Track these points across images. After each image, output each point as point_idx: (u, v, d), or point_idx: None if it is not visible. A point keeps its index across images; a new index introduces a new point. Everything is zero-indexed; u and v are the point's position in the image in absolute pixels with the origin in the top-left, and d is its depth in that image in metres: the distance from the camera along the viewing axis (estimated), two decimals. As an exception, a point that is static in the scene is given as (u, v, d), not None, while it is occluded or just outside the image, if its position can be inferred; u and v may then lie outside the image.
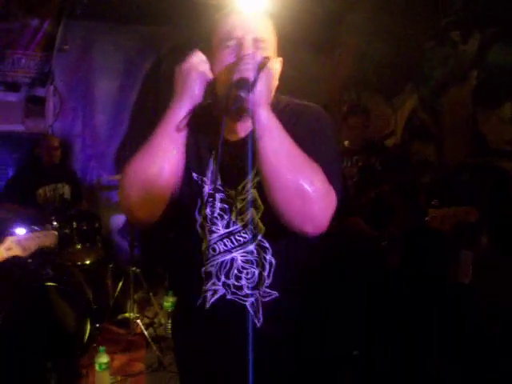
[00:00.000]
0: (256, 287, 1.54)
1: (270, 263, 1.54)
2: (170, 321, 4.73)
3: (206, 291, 1.58)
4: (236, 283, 1.56)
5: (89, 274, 4.31)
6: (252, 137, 1.40)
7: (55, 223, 4.35)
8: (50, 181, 4.93)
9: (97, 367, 3.62)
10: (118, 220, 5.80)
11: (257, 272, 1.54)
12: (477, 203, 3.42)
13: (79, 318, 3.92)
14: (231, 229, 1.55)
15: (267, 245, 1.54)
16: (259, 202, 1.51)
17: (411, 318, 3.48)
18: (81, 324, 3.93)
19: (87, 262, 4.45)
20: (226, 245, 1.56)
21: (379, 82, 5.08)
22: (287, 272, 1.55)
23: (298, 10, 4.41)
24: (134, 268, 4.60)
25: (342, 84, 5.51)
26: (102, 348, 3.71)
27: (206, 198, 1.56)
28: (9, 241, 2.41)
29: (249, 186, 1.53)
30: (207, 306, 1.58)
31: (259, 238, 1.53)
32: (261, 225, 1.53)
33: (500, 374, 3.04)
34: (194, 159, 1.59)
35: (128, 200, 1.48)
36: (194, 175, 1.59)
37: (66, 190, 4.97)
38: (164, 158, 1.45)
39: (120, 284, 4.64)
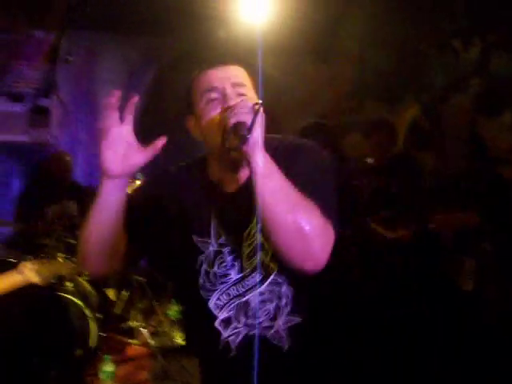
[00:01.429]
0: (274, 319, 1.57)
1: (287, 295, 1.57)
2: (173, 328, 4.75)
3: (228, 337, 1.60)
4: (254, 322, 1.57)
5: (93, 284, 4.33)
6: (251, 184, 1.41)
7: (61, 233, 4.39)
8: (58, 198, 4.90)
9: (102, 376, 3.64)
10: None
11: (272, 307, 1.57)
12: (478, 210, 3.45)
13: (84, 326, 3.95)
14: (241, 275, 1.57)
15: (281, 280, 1.57)
16: (267, 244, 1.52)
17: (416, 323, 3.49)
18: (86, 333, 3.96)
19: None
20: (238, 290, 1.59)
21: (380, 91, 5.09)
22: (305, 298, 1.59)
23: (297, 18, 4.43)
24: (137, 277, 4.61)
25: (342, 93, 5.53)
26: (106, 356, 3.72)
27: (212, 256, 1.58)
28: (22, 266, 2.40)
29: (254, 231, 1.54)
30: (232, 349, 1.59)
31: (272, 276, 1.56)
32: (272, 265, 1.56)
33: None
34: (195, 222, 1.60)
35: (84, 260, 1.59)
36: (196, 238, 1.59)
37: (73, 207, 4.97)
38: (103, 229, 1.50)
39: (124, 293, 4.66)
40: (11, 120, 5.51)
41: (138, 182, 4.25)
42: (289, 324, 1.57)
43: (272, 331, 1.57)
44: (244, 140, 1.35)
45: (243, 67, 1.61)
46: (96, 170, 5.83)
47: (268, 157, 1.40)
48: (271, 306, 1.56)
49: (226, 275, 1.57)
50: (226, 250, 1.58)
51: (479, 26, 4.32)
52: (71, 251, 4.39)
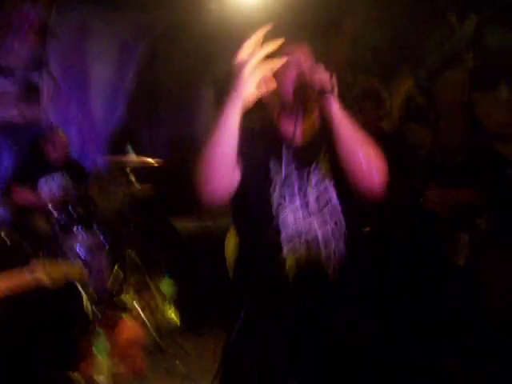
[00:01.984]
0: (330, 244, 1.85)
1: (340, 220, 1.87)
2: (166, 303, 4.77)
3: (288, 253, 1.85)
4: (312, 241, 1.85)
5: (86, 258, 4.32)
6: (323, 125, 1.86)
7: (50, 207, 4.36)
8: (51, 173, 4.89)
9: (95, 350, 3.64)
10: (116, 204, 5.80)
11: (329, 229, 1.86)
12: (473, 185, 3.45)
13: (77, 301, 3.94)
14: (307, 199, 1.87)
15: (337, 204, 1.88)
16: (331, 173, 1.88)
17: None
18: (79, 307, 3.95)
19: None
20: (302, 213, 1.87)
21: (374, 65, 5.07)
22: (353, 231, 1.90)
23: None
24: (129, 251, 4.60)
25: (337, 68, 5.50)
26: (100, 331, 3.73)
27: (284, 178, 1.87)
28: (34, 264, 2.39)
29: (321, 161, 1.89)
30: (287, 265, 1.85)
31: (332, 201, 1.88)
32: (332, 190, 1.88)
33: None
34: (272, 147, 1.91)
35: (204, 177, 1.74)
36: (272, 161, 1.90)
37: (67, 183, 4.93)
38: (226, 141, 1.72)
39: (116, 267, 4.65)
40: (1, 96, 5.45)
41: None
42: (337, 251, 1.86)
43: (325, 254, 1.85)
44: (327, 93, 1.76)
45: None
46: (87, 145, 5.80)
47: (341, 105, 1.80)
48: (328, 228, 1.86)
49: (293, 196, 1.86)
50: (294, 174, 1.88)
51: (474, 0, 4.29)
52: (62, 226, 4.41)
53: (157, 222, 5.30)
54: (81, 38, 5.72)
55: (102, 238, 4.58)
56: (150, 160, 4.55)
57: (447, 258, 3.52)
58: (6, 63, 5.36)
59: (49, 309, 3.77)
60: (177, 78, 5.67)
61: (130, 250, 4.63)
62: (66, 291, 3.89)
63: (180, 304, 4.73)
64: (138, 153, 4.69)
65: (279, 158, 1.89)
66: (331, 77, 1.78)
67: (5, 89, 5.44)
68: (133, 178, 4.58)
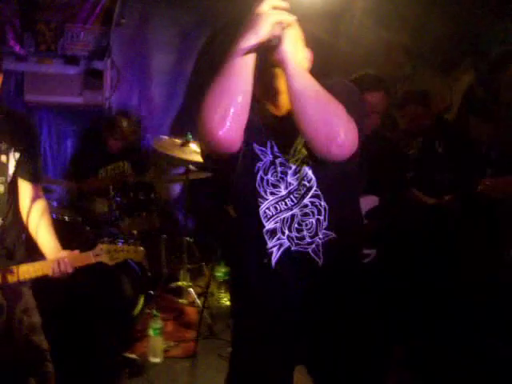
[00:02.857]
0: (316, 234, 1.80)
1: (325, 208, 1.80)
2: (221, 290, 4.85)
3: (272, 247, 1.83)
4: (298, 235, 1.81)
5: (144, 243, 4.44)
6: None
7: (112, 192, 4.49)
8: (112, 161, 4.99)
9: (151, 332, 3.75)
10: (174, 191, 5.92)
11: (314, 221, 1.80)
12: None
13: (135, 284, 4.08)
14: (289, 189, 1.83)
15: (319, 192, 1.81)
16: (309, 158, 1.79)
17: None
18: (136, 290, 4.09)
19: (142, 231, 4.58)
20: (286, 204, 1.83)
21: (435, 57, 4.97)
22: (339, 214, 1.82)
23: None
24: (187, 238, 4.70)
25: (398, 58, 5.42)
26: (156, 313, 3.84)
27: (268, 165, 1.84)
28: (99, 248, 2.50)
29: (299, 148, 1.82)
30: (273, 261, 1.83)
31: (313, 189, 1.80)
32: (313, 176, 1.81)
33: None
34: (255, 133, 1.84)
35: (210, 121, 1.65)
36: (256, 147, 1.86)
37: (126, 167, 5.03)
38: (238, 78, 1.64)
39: (172, 253, 4.76)
40: (66, 82, 5.62)
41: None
42: (326, 239, 1.81)
43: (313, 247, 1.81)
44: (276, 47, 1.62)
45: None
46: (147, 132, 5.92)
47: (300, 66, 1.65)
48: (313, 220, 1.81)
49: (276, 186, 1.84)
50: (278, 161, 1.84)
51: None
52: (122, 211, 4.53)
53: (212, 208, 5.37)
54: (143, 27, 5.83)
55: (159, 223, 4.70)
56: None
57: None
58: (72, 52, 5.52)
59: (108, 291, 3.92)
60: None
61: (186, 237, 4.73)
62: (125, 274, 4.04)
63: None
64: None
65: (263, 142, 1.87)
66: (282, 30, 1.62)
67: (70, 77, 5.61)
68: (191, 167, 4.65)
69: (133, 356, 3.73)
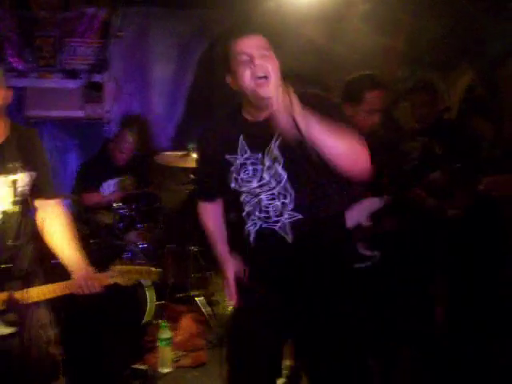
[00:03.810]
0: (281, 214, 2.10)
1: (290, 194, 2.09)
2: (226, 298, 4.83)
3: (250, 226, 2.17)
4: (266, 215, 2.12)
5: (149, 254, 4.44)
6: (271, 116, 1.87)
7: (115, 204, 4.50)
8: (116, 175, 4.95)
9: (159, 343, 3.76)
10: (179, 201, 5.92)
11: (280, 203, 2.10)
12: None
13: (142, 295, 4.08)
14: (262, 182, 2.12)
15: (288, 184, 2.09)
16: (280, 157, 2.07)
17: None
18: (144, 301, 4.09)
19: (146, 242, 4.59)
20: (258, 194, 2.14)
21: (433, 58, 4.98)
22: (305, 199, 2.09)
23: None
24: (193, 247, 4.70)
25: (396, 60, 5.43)
26: (164, 324, 3.84)
27: (239, 167, 2.14)
28: (114, 270, 2.51)
29: (273, 147, 2.08)
30: (251, 237, 2.17)
31: (283, 181, 2.08)
32: (283, 172, 2.09)
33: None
34: (226, 145, 2.17)
35: None
36: (228, 156, 2.16)
37: (129, 181, 4.97)
38: None
39: (179, 263, 4.76)
40: (66, 96, 5.65)
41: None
42: (292, 219, 2.09)
43: (279, 224, 2.10)
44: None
45: (265, 36, 2.04)
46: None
47: (302, 107, 1.82)
48: (278, 203, 2.10)
49: (249, 181, 2.13)
50: (248, 162, 2.13)
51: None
52: (126, 222, 4.54)
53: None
54: (142, 39, 5.86)
55: (165, 234, 4.70)
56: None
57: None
58: (72, 66, 5.55)
59: (119, 306, 3.91)
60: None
61: (192, 247, 4.74)
62: (135, 289, 4.04)
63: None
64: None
65: (234, 150, 2.14)
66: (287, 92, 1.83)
67: (70, 91, 5.64)
68: (193, 176, 4.66)
69: (143, 367, 3.73)
